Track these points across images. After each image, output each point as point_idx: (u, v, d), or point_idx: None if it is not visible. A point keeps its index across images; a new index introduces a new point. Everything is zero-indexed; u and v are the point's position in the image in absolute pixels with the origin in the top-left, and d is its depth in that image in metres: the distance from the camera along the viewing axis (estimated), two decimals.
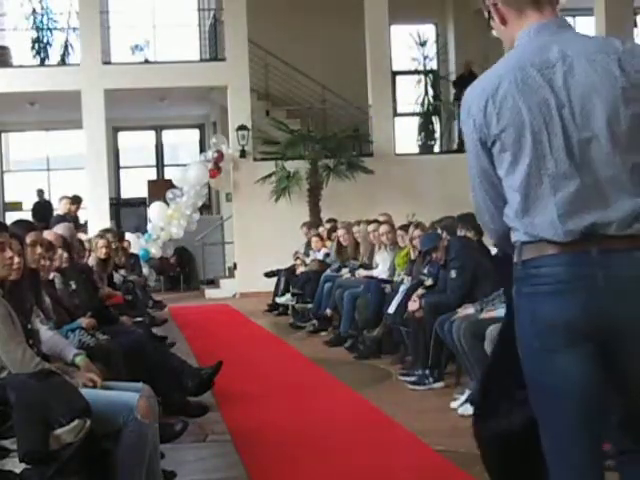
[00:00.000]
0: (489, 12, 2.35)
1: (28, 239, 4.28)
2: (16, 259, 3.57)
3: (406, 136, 17.80)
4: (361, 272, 9.16)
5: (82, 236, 8.46)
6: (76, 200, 14.11)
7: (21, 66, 16.51)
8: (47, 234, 5.50)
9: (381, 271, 8.73)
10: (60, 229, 6.56)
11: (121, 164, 20.38)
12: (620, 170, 2.13)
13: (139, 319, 7.76)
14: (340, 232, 10.34)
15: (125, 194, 20.12)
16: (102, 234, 8.69)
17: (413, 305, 6.70)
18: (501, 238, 2.31)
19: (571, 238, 2.13)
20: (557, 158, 2.14)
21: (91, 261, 7.67)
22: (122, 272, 10.01)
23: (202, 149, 19.35)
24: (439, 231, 7.22)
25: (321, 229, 12.24)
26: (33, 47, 17.24)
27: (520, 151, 2.16)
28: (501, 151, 2.20)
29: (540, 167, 2.15)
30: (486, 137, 2.21)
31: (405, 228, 8.28)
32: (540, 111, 2.15)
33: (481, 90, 2.23)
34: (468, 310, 5.94)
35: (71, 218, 13.32)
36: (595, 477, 2.15)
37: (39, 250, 4.56)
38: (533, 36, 2.22)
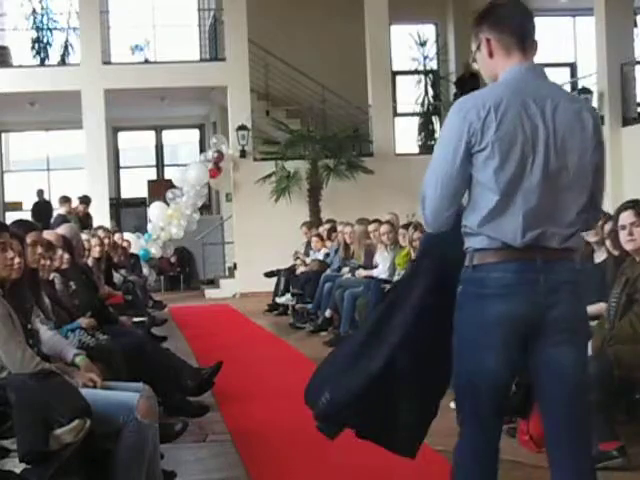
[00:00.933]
0: (479, 45, 2.75)
1: (28, 239, 4.27)
2: (17, 259, 3.57)
3: (406, 136, 17.80)
4: (361, 272, 9.17)
5: (82, 235, 8.45)
6: (85, 200, 14.14)
7: (21, 66, 16.53)
8: (47, 234, 5.50)
9: (381, 271, 8.73)
10: (62, 229, 6.56)
11: (121, 164, 20.38)
12: (573, 199, 2.57)
13: (140, 319, 7.76)
14: (347, 229, 10.32)
15: (125, 194, 20.12)
16: (94, 233, 8.69)
17: None
18: (439, 230, 2.62)
19: (523, 246, 2.51)
20: (534, 177, 2.50)
21: (90, 261, 7.67)
22: (122, 272, 10.01)
23: (202, 149, 19.36)
24: None
25: (321, 229, 12.25)
26: (33, 47, 17.26)
27: (507, 162, 2.49)
28: (489, 158, 2.49)
29: (519, 180, 2.50)
30: (476, 142, 2.51)
31: (407, 227, 8.28)
32: (532, 133, 2.50)
33: (482, 101, 2.55)
34: None
35: (77, 218, 13.34)
36: (496, 437, 2.68)
37: (39, 250, 4.56)
38: (524, 72, 2.60)
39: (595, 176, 2.62)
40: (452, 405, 6.00)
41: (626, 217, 4.24)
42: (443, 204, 2.56)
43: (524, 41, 2.61)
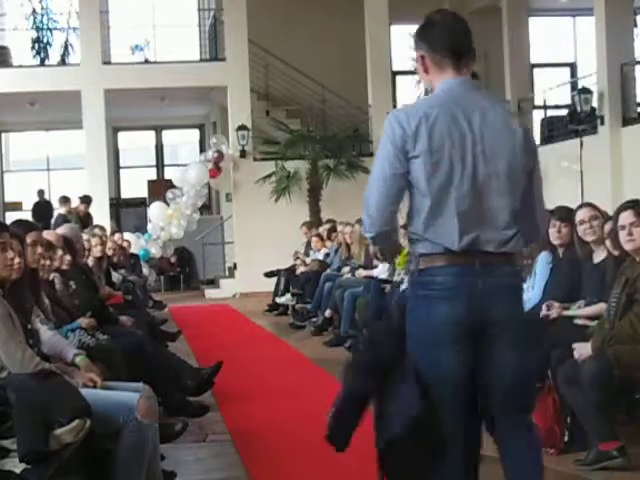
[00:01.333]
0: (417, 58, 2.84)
1: (28, 239, 4.27)
2: (17, 259, 3.57)
3: None
4: (361, 272, 9.16)
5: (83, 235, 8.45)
6: (85, 200, 14.13)
7: (21, 66, 16.53)
8: (47, 234, 5.50)
9: (381, 271, 8.73)
10: (63, 229, 6.55)
11: (121, 164, 20.38)
12: (506, 204, 2.72)
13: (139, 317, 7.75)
14: (347, 229, 10.30)
15: (125, 194, 20.12)
16: (93, 232, 8.70)
17: None
18: (378, 237, 2.80)
19: (462, 251, 2.67)
20: (464, 183, 2.67)
21: (90, 261, 7.67)
22: (122, 272, 10.01)
23: (202, 149, 19.36)
24: None
25: (321, 229, 12.25)
26: (33, 47, 17.27)
27: (438, 169, 2.67)
28: (421, 165, 2.68)
29: (449, 186, 2.67)
30: (409, 149, 2.68)
31: (406, 227, 8.28)
32: (460, 142, 2.68)
33: (414, 112, 2.70)
34: None
35: (78, 218, 13.34)
36: (466, 436, 2.74)
37: (39, 250, 4.56)
38: (458, 85, 2.75)
39: (530, 182, 2.82)
40: None
41: (626, 217, 4.25)
42: (384, 202, 2.72)
43: (458, 59, 2.76)
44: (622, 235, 4.26)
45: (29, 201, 17.64)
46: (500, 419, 2.81)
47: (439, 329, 2.68)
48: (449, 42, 2.74)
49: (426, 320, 2.71)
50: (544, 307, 4.95)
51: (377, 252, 2.98)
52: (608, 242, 4.66)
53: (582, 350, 4.21)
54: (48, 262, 5.04)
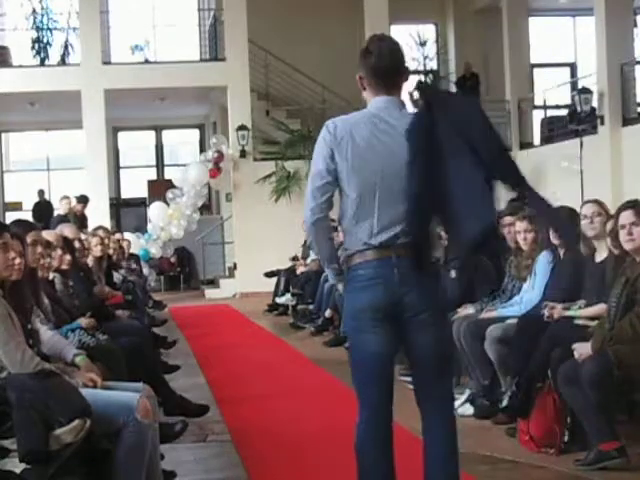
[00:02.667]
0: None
1: (28, 239, 4.27)
2: (18, 260, 3.57)
3: None
4: None
5: (81, 235, 8.45)
6: (82, 199, 14.12)
7: (21, 66, 16.52)
8: (47, 234, 5.49)
9: None
10: (63, 230, 6.55)
11: (121, 164, 20.38)
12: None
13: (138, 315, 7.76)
14: None
15: (125, 194, 20.12)
16: (94, 232, 8.70)
17: None
18: (313, 226, 3.22)
19: (380, 246, 3.08)
20: (385, 188, 3.08)
21: (89, 260, 7.66)
22: (122, 272, 10.00)
23: (202, 149, 19.36)
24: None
25: None
26: (33, 47, 17.26)
27: (359, 177, 3.10)
28: (345, 171, 3.11)
29: (371, 191, 3.08)
30: (336, 157, 3.12)
31: None
32: (382, 150, 3.09)
33: (344, 123, 3.18)
34: (468, 310, 5.94)
35: (76, 218, 13.34)
36: (385, 409, 3.23)
37: (39, 250, 4.56)
38: (385, 103, 3.19)
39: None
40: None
41: (626, 217, 4.25)
42: (317, 194, 3.15)
43: (387, 83, 3.21)
44: (622, 234, 4.26)
45: (29, 201, 17.65)
46: (421, 390, 3.28)
47: (362, 315, 3.10)
48: (380, 71, 3.22)
49: (352, 308, 3.15)
50: (546, 310, 4.94)
51: (312, 242, 3.32)
52: (609, 241, 4.66)
53: (582, 350, 4.21)
54: (48, 262, 5.04)
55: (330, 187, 3.17)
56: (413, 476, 4.42)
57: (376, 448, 3.20)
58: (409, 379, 6.52)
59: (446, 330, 3.47)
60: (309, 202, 3.19)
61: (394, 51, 3.26)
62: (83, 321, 5.15)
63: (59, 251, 5.65)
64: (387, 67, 3.22)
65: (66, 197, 14.09)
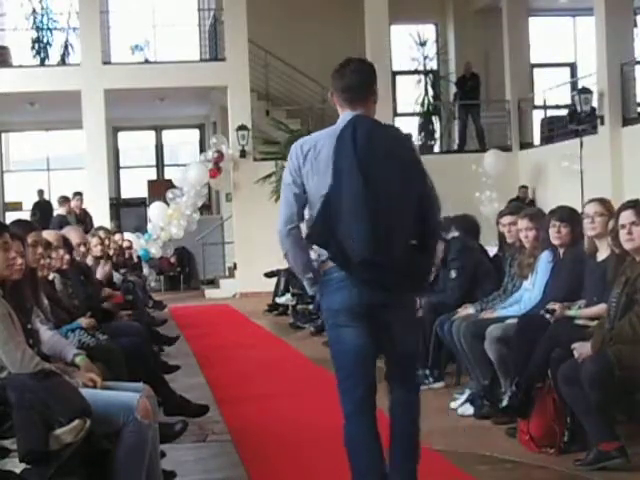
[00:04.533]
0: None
1: (29, 239, 4.27)
2: (19, 260, 3.57)
3: None
4: None
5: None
6: (76, 194, 14.05)
7: (21, 66, 16.52)
8: (47, 234, 5.49)
9: None
10: (70, 233, 6.54)
11: (121, 164, 20.38)
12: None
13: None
14: None
15: (125, 194, 20.12)
16: (94, 232, 8.69)
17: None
18: (287, 238, 3.42)
19: None
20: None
21: (90, 260, 7.66)
22: (122, 271, 10.00)
23: (202, 149, 19.36)
24: None
25: None
26: (33, 47, 17.26)
27: (326, 185, 3.27)
28: (314, 187, 3.36)
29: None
30: (302, 174, 3.39)
31: None
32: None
33: (309, 141, 3.48)
34: (468, 310, 5.94)
35: (76, 217, 13.31)
36: (368, 403, 3.40)
37: (39, 250, 4.56)
38: (351, 119, 3.39)
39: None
40: (452, 405, 6.01)
41: (626, 216, 4.25)
42: (287, 206, 3.41)
43: (352, 101, 3.48)
44: (622, 234, 4.26)
45: (29, 201, 17.64)
46: (392, 371, 3.52)
47: (339, 313, 3.37)
48: (347, 91, 3.50)
49: (329, 308, 3.43)
50: (548, 306, 4.93)
51: (288, 253, 3.47)
52: (609, 239, 4.66)
53: (582, 350, 4.21)
54: (48, 262, 5.03)
55: (299, 198, 3.41)
56: None
57: (364, 442, 3.41)
58: None
59: (417, 325, 3.83)
60: (281, 214, 3.43)
61: (360, 71, 3.53)
62: (83, 321, 5.15)
63: (60, 251, 5.64)
64: (352, 86, 3.50)
65: (65, 197, 14.08)
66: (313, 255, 3.48)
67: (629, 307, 4.17)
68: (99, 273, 7.69)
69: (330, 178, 3.26)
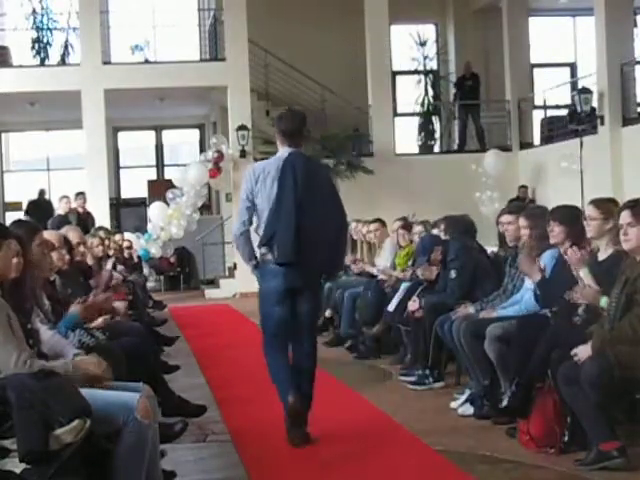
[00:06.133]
0: None
1: (35, 240, 4.28)
2: (15, 259, 3.57)
3: (406, 136, 17.80)
4: (365, 267, 9.06)
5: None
6: (79, 195, 14.04)
7: (21, 66, 16.51)
8: (48, 234, 5.49)
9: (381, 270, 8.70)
10: (68, 233, 6.53)
11: (121, 164, 20.37)
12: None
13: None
14: (352, 225, 10.17)
15: (125, 194, 20.11)
16: (94, 233, 8.69)
17: (413, 305, 6.70)
18: (241, 238, 5.06)
19: None
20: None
21: (90, 260, 7.66)
22: (120, 268, 9.98)
23: (202, 149, 19.35)
24: (436, 231, 7.25)
25: None
26: (33, 47, 17.25)
27: (268, 204, 4.85)
28: (259, 201, 4.93)
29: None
30: (254, 190, 4.94)
31: (407, 227, 8.28)
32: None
33: (260, 167, 5.01)
34: (468, 309, 5.93)
35: (78, 217, 13.29)
36: (283, 348, 5.10)
37: (42, 250, 4.55)
38: (288, 153, 4.96)
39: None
40: (452, 405, 6.01)
41: (623, 217, 4.26)
42: (241, 216, 5.04)
43: (289, 141, 5.02)
44: (620, 234, 4.27)
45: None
46: (297, 333, 5.11)
47: (270, 293, 5.00)
48: (285, 134, 5.03)
49: (267, 288, 5.02)
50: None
51: (239, 247, 5.09)
52: (608, 238, 4.66)
53: (582, 354, 4.19)
54: (49, 262, 5.03)
55: (250, 209, 4.99)
56: (412, 473, 4.43)
57: (281, 369, 5.08)
58: (408, 379, 6.60)
59: (317, 303, 5.51)
60: (237, 220, 5.08)
61: (293, 120, 5.08)
62: (99, 321, 5.19)
63: (62, 252, 5.64)
64: (287, 131, 5.02)
65: (65, 197, 14.07)
66: (257, 250, 5.00)
67: (628, 307, 4.16)
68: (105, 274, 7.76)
69: (274, 196, 4.82)
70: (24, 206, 17.00)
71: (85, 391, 3.28)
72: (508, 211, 6.14)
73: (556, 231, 5.15)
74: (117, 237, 11.73)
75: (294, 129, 4.99)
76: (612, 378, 4.06)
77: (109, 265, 8.07)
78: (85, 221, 13.15)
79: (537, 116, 17.27)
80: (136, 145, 21.23)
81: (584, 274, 4.57)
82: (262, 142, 15.49)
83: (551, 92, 16.99)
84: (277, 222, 4.75)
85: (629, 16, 14.54)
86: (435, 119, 17.93)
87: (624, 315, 4.16)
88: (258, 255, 4.98)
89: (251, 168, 5.02)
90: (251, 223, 4.97)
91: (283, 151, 4.96)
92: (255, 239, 5.05)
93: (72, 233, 6.63)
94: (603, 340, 4.15)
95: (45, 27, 17.65)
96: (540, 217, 5.49)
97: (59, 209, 14.13)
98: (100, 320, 5.30)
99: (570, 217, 5.13)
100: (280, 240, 4.76)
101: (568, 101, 16.22)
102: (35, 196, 16.51)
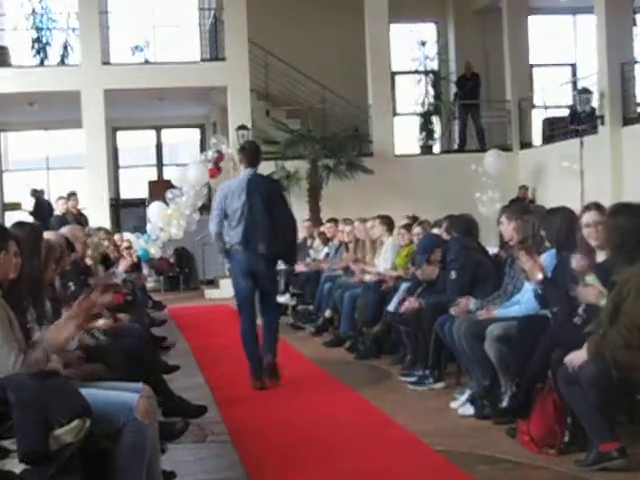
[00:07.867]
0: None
1: (43, 245, 4.30)
2: (13, 260, 3.57)
3: (406, 136, 17.80)
4: (366, 267, 9.04)
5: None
6: (70, 195, 13.99)
7: (21, 66, 16.50)
8: (50, 234, 5.48)
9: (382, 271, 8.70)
10: (65, 231, 6.53)
11: (121, 164, 20.36)
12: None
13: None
14: (347, 228, 10.18)
15: (125, 194, 20.09)
16: (89, 232, 8.68)
17: (411, 304, 6.69)
18: (217, 235, 6.86)
19: (246, 243, 6.71)
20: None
21: (89, 260, 7.66)
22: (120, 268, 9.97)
23: (202, 149, 19.34)
24: (437, 230, 7.24)
25: (322, 228, 12.21)
26: (33, 47, 17.24)
27: (236, 215, 6.68)
28: (231, 212, 6.71)
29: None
30: (225, 206, 6.73)
31: (407, 227, 8.28)
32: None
33: (228, 185, 6.96)
34: (469, 303, 5.89)
35: (72, 216, 13.29)
36: (251, 315, 6.91)
37: (45, 253, 4.55)
38: (249, 174, 6.81)
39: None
40: (452, 405, 6.01)
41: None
42: (216, 221, 6.79)
43: (250, 163, 6.83)
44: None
45: (28, 201, 17.59)
46: (262, 303, 6.98)
47: (238, 272, 6.76)
48: (247, 160, 6.84)
49: (234, 268, 6.82)
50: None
51: (215, 242, 6.89)
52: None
53: (576, 361, 4.16)
54: (54, 265, 5.02)
55: (222, 215, 6.72)
56: (412, 473, 4.43)
57: (250, 335, 6.77)
58: (409, 379, 6.60)
59: (274, 280, 7.49)
60: (213, 222, 6.82)
61: (255, 148, 7.05)
62: (100, 322, 5.19)
63: (65, 252, 5.63)
64: (248, 156, 6.84)
65: (62, 197, 14.06)
66: (227, 239, 6.76)
67: (616, 315, 4.12)
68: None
69: (241, 205, 6.60)
70: (23, 206, 16.98)
71: (85, 391, 3.28)
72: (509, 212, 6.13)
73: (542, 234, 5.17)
74: (116, 237, 11.72)
75: (252, 155, 6.88)
76: (610, 379, 4.05)
77: (121, 267, 8.62)
78: (79, 221, 13.15)
79: (537, 116, 17.27)
80: (136, 145, 21.22)
81: (591, 281, 4.51)
82: (262, 142, 15.46)
83: (551, 92, 16.99)
84: (252, 223, 6.59)
85: (629, 15, 14.54)
86: (435, 119, 17.92)
87: (613, 322, 4.12)
88: (228, 246, 6.77)
89: (220, 189, 6.97)
90: (222, 225, 6.80)
91: (246, 172, 6.79)
92: (225, 235, 6.82)
93: (77, 233, 6.63)
94: (597, 345, 4.13)
95: (45, 27, 17.63)
96: (536, 217, 5.50)
97: (57, 209, 14.13)
98: (101, 322, 5.31)
99: (572, 221, 5.11)
100: (255, 235, 6.63)
101: (568, 101, 16.22)
102: (28, 196, 16.43)
